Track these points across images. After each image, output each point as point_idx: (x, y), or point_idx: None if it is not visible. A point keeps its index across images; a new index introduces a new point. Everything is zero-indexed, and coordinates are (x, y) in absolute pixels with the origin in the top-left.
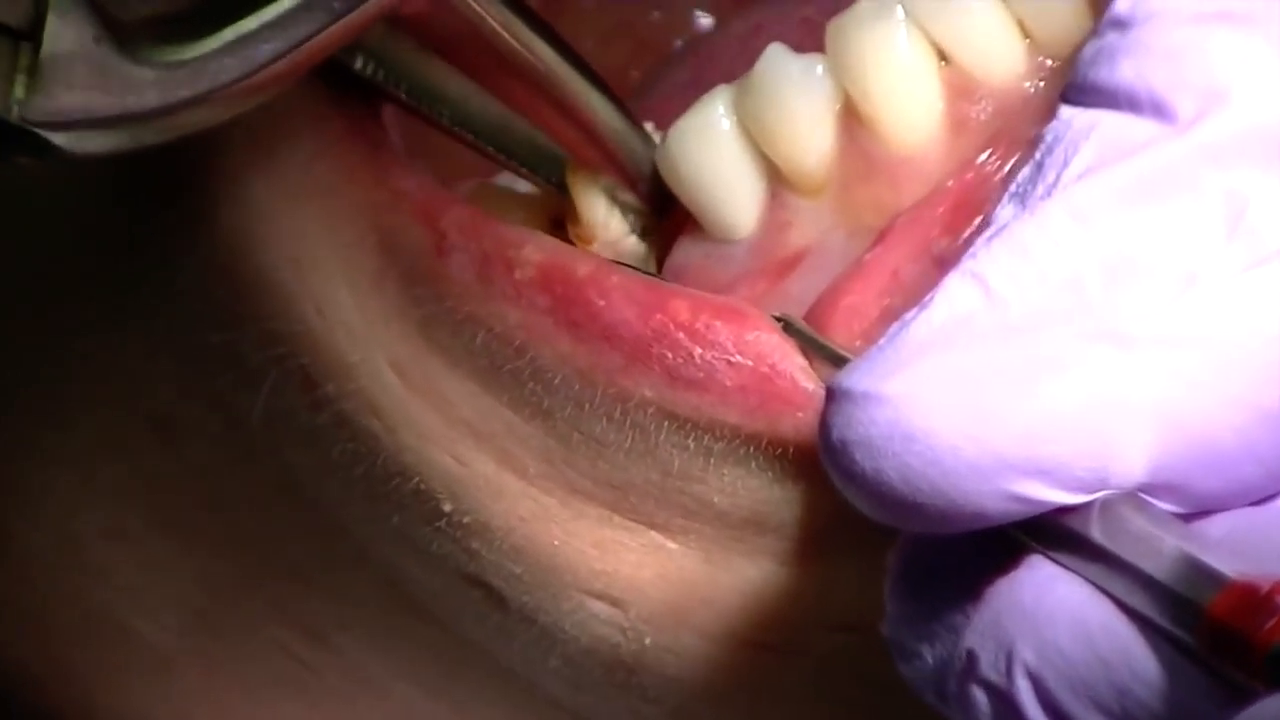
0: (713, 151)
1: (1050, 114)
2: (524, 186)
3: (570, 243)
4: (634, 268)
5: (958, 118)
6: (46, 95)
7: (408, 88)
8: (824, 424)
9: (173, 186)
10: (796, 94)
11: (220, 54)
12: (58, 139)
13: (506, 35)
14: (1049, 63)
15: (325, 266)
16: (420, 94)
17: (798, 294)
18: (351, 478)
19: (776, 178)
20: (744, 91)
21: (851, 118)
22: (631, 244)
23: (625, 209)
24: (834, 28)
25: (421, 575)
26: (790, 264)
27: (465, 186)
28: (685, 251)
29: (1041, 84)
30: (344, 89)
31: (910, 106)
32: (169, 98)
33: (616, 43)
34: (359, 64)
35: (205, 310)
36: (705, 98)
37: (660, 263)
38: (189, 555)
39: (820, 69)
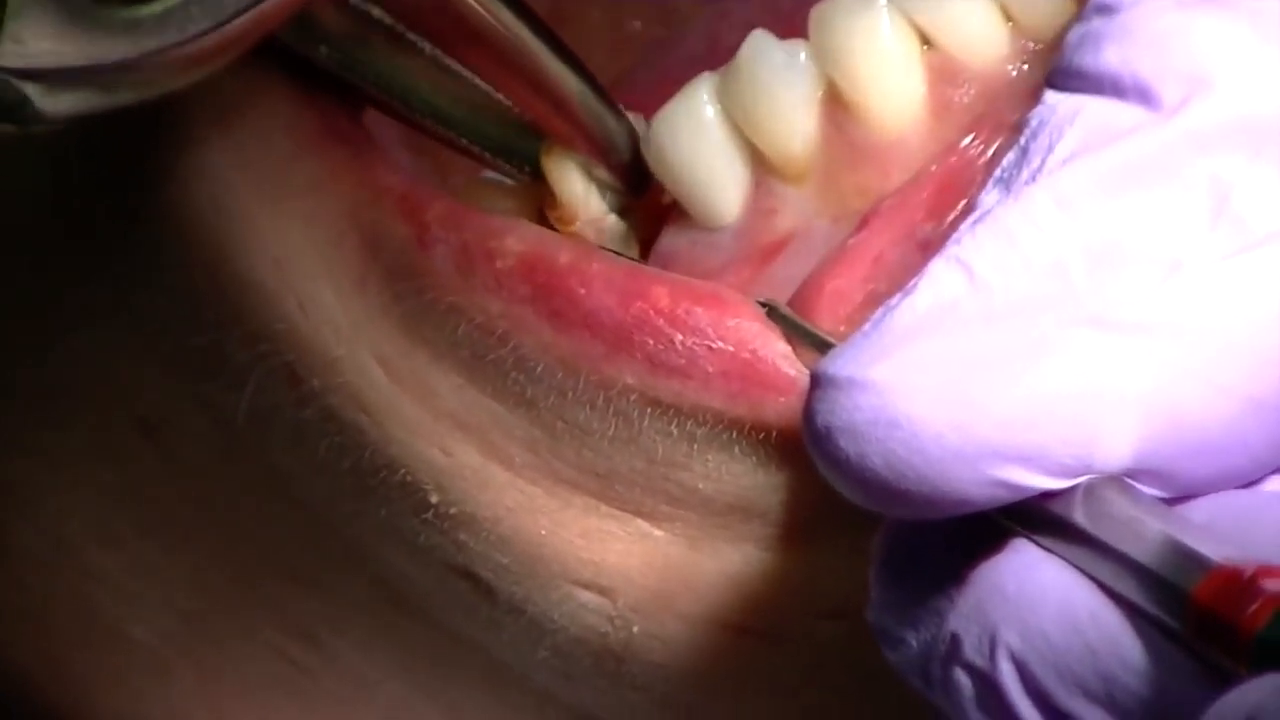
0: (697, 139)
1: (1034, 97)
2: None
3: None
4: (617, 253)
5: (941, 102)
6: (16, 41)
7: (374, 78)
8: (808, 410)
9: (154, 188)
10: (780, 81)
11: (187, 5)
12: (30, 91)
13: (475, 5)
14: (1032, 46)
15: (307, 264)
16: (386, 85)
17: (783, 279)
18: (339, 473)
19: (761, 164)
20: (728, 79)
21: (835, 104)
22: (612, 223)
23: (602, 187)
24: (817, 14)
25: (411, 569)
26: (775, 249)
27: (456, 181)
28: (671, 239)
29: (1025, 67)
30: (316, 83)
31: (893, 92)
32: (138, 48)
33: (624, 55)
34: (323, 53)
35: (190, 311)
36: (689, 85)
37: (640, 241)
38: (180, 558)
39: (803, 55)
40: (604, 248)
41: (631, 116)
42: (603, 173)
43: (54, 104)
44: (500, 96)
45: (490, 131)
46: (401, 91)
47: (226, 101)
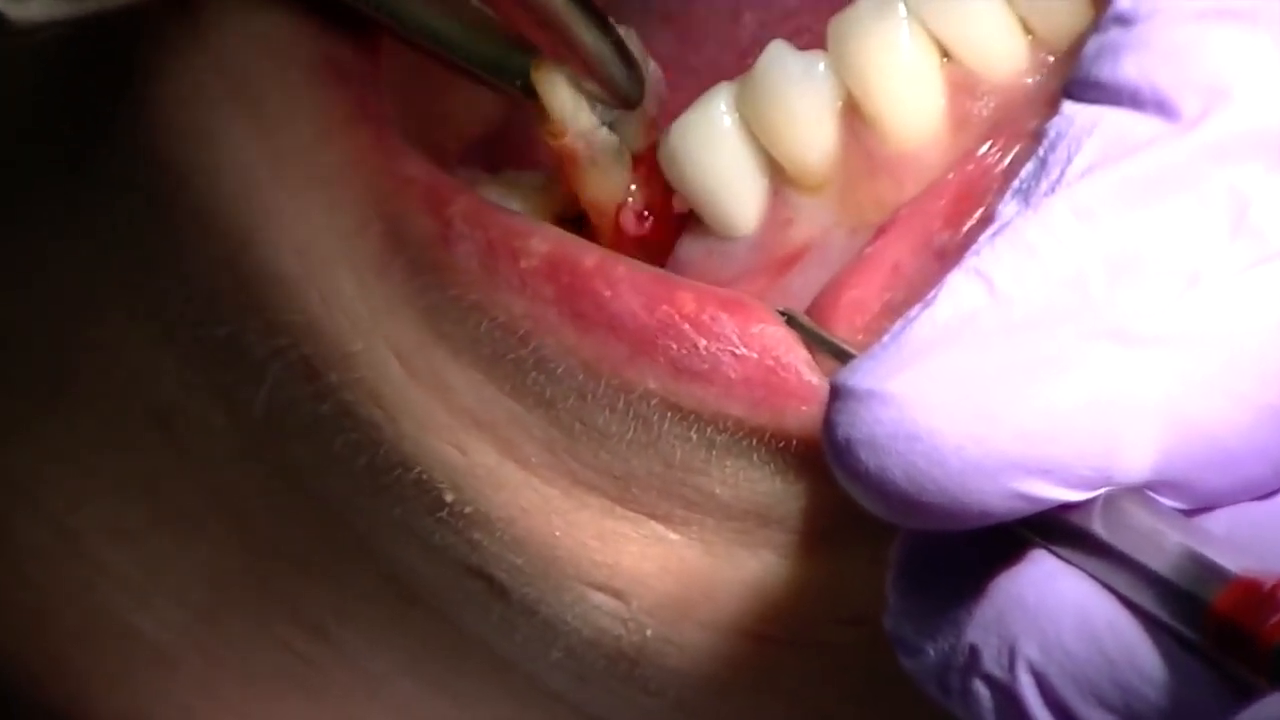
0: (714, 149)
1: (1051, 107)
2: (529, 178)
3: (578, 234)
4: (640, 261)
5: (960, 114)
6: None
7: None
8: (828, 422)
9: (176, 179)
10: (798, 91)
11: None
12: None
13: None
14: (1051, 59)
15: (330, 255)
16: (379, 3)
17: (799, 290)
18: (354, 469)
19: (778, 175)
20: (745, 89)
21: (853, 115)
22: (603, 136)
23: (593, 99)
24: (835, 25)
25: (424, 568)
26: (791, 260)
27: (465, 173)
28: (688, 248)
29: (1042, 78)
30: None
31: (912, 104)
32: None
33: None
34: None
35: (210, 303)
36: (707, 95)
37: (635, 158)
38: (190, 551)
39: (822, 66)
40: (631, 257)
41: (623, 29)
42: (593, 86)
43: (21, 11)
44: (490, 12)
45: (482, 48)
46: (392, 9)
47: (252, 84)
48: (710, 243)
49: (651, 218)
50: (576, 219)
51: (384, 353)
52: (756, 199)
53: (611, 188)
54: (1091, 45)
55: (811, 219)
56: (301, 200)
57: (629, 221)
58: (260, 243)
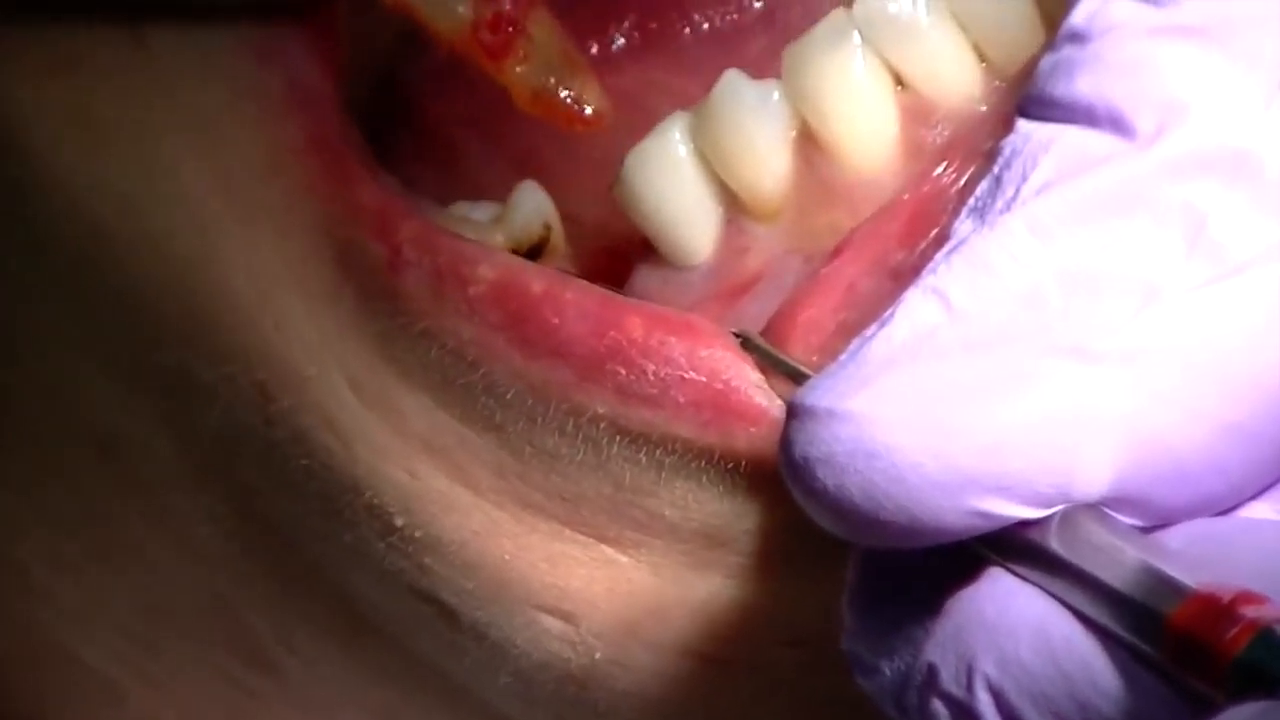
0: (670, 178)
1: (1006, 130)
2: (482, 210)
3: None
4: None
5: (914, 142)
6: None
7: None
8: (785, 441)
9: (122, 209)
10: (753, 120)
11: None
12: None
13: None
14: (999, 84)
15: (282, 281)
16: None
17: (754, 316)
18: (306, 494)
19: (734, 204)
20: (700, 118)
21: (808, 143)
22: None
23: None
24: (790, 54)
25: (374, 593)
26: (746, 287)
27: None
28: (643, 278)
29: (996, 104)
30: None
31: (867, 132)
32: None
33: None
34: None
35: (155, 330)
36: (661, 125)
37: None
38: (131, 581)
39: (776, 95)
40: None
41: None
42: None
43: None
44: None
45: None
46: None
47: (203, 114)
48: (666, 272)
49: (508, 26)
50: (529, 252)
51: (337, 378)
52: (712, 228)
53: (451, 13)
54: (1046, 62)
55: (766, 247)
56: (253, 227)
57: (486, 36)
58: (212, 269)
